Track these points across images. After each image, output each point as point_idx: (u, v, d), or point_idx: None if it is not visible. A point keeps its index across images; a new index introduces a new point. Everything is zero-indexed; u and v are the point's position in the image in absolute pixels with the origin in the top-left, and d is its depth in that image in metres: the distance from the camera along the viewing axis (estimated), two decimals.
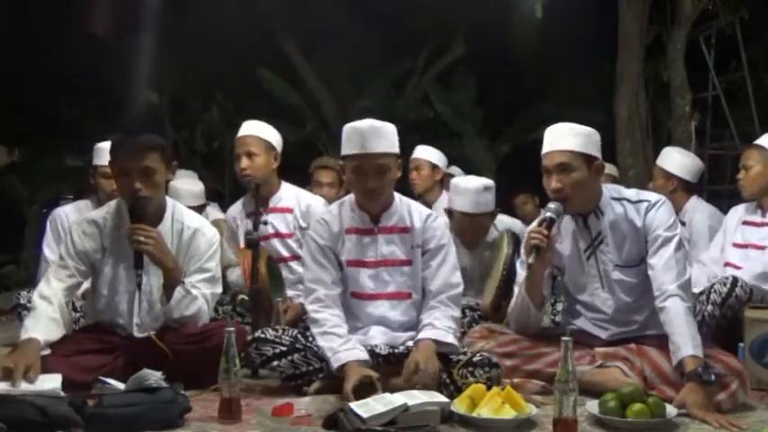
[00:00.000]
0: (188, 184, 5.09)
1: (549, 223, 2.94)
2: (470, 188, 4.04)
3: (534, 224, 3.04)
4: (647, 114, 7.42)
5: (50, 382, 2.64)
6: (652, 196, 3.09)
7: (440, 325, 2.96)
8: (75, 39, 7.89)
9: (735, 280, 3.53)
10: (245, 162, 3.99)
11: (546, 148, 3.03)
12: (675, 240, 2.96)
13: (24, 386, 2.59)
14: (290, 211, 4.03)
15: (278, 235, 4.01)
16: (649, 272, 2.97)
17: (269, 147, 4.05)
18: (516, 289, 3.19)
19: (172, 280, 3.03)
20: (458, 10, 8.29)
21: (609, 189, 3.13)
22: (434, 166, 5.08)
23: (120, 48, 7.95)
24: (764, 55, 8.81)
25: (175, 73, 9.31)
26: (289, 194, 4.11)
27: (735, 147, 8.14)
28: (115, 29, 8.17)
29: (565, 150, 2.97)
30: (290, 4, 8.49)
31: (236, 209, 4.22)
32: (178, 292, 3.02)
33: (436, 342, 2.92)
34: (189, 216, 3.22)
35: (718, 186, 8.36)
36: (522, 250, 3.13)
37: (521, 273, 3.20)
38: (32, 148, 10.07)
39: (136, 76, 8.36)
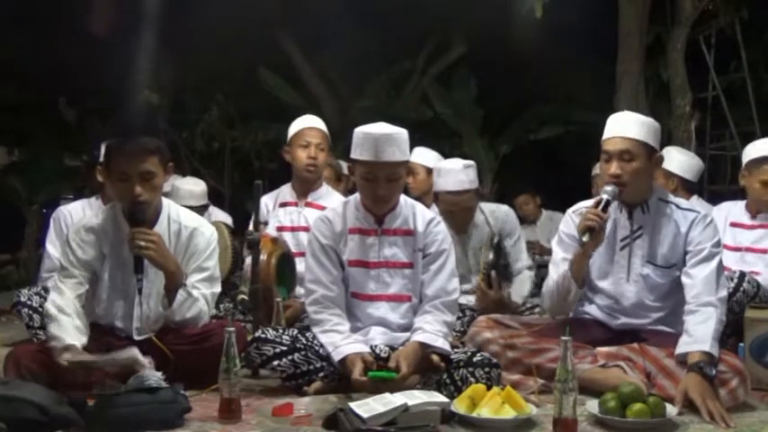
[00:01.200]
0: (189, 184, 5.09)
1: (606, 205, 2.98)
2: (453, 168, 4.13)
3: (590, 204, 3.06)
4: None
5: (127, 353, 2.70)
6: (701, 209, 3.16)
7: (430, 329, 2.97)
8: (74, 39, 7.88)
9: (742, 275, 3.57)
10: (314, 152, 4.19)
11: (609, 134, 3.09)
12: (718, 258, 3.01)
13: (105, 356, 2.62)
14: (325, 209, 4.09)
15: (308, 229, 4.09)
16: (686, 280, 3.00)
17: (329, 144, 4.33)
18: (551, 268, 3.22)
19: (174, 283, 3.02)
20: (458, 10, 8.29)
21: (658, 191, 3.18)
22: (430, 171, 4.93)
23: (120, 48, 7.94)
24: (764, 55, 8.79)
25: (175, 73, 9.30)
26: (328, 195, 4.29)
27: (735, 147, 8.14)
28: (115, 29, 8.16)
29: (629, 138, 3.03)
30: (290, 4, 8.48)
31: (271, 196, 4.29)
32: (180, 295, 3.02)
33: (424, 345, 2.92)
34: (185, 215, 3.21)
35: (718, 186, 8.36)
36: (575, 229, 3.13)
37: (558, 251, 3.22)
38: (32, 148, 10.06)
39: (136, 76, 8.35)
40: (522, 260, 4.24)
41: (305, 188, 4.25)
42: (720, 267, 3.01)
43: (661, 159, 3.15)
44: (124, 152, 2.99)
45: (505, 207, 4.44)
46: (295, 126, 4.33)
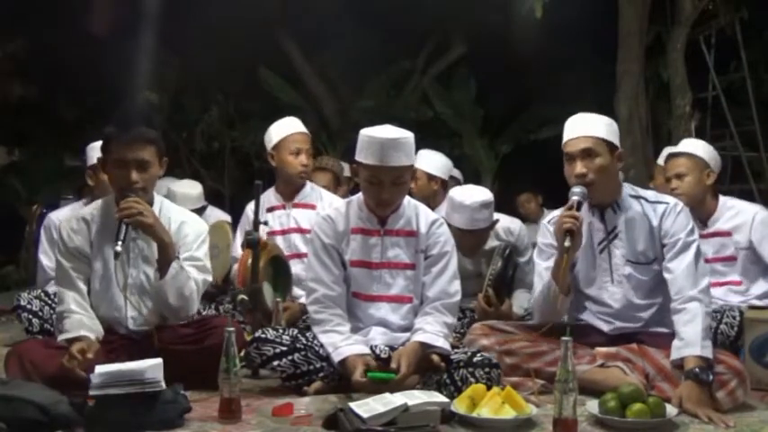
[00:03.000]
0: (185, 187, 5.06)
1: (578, 206, 2.96)
2: (467, 205, 3.91)
3: (563, 209, 3.03)
4: (646, 114, 7.41)
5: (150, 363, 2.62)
6: (670, 199, 3.12)
7: (430, 329, 2.96)
8: (74, 39, 7.89)
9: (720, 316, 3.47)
10: (305, 159, 4.21)
11: (568, 135, 3.07)
12: (695, 246, 2.99)
13: (126, 366, 2.59)
14: (313, 207, 4.14)
15: (300, 230, 4.13)
16: (667, 276, 2.98)
17: (312, 145, 4.31)
18: (536, 279, 3.19)
19: (168, 255, 3.02)
20: (458, 10, 8.30)
21: (627, 187, 3.16)
22: (431, 177, 4.79)
23: (120, 48, 7.95)
24: (764, 55, 8.80)
25: (175, 73, 9.31)
26: (314, 192, 4.28)
27: (735, 147, 8.14)
28: (115, 29, 8.17)
29: (589, 136, 3.02)
30: (290, 4, 8.49)
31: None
32: (173, 267, 3.02)
33: (425, 345, 2.92)
34: (176, 210, 3.24)
35: (719, 186, 8.34)
36: (553, 237, 3.10)
37: (539, 263, 3.20)
38: (32, 148, 10.07)
39: (136, 76, 8.36)
40: (527, 281, 4.09)
41: (291, 191, 4.25)
42: (698, 256, 2.98)
43: (624, 155, 3.13)
44: (123, 139, 3.02)
45: (519, 223, 4.30)
46: (279, 131, 4.28)
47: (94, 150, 4.03)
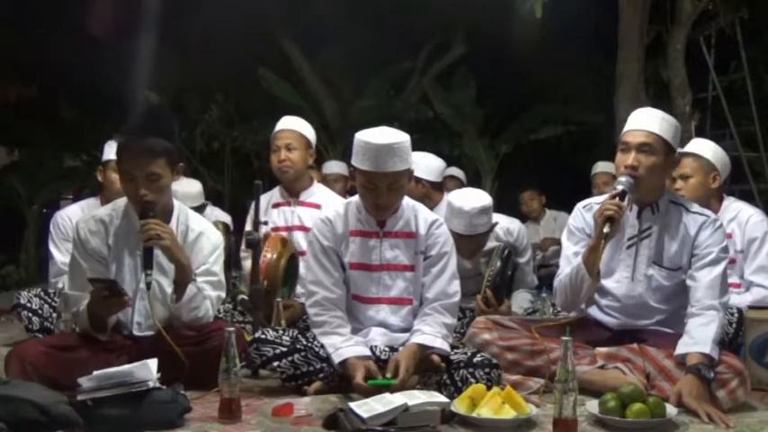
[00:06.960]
0: (185, 185, 5.05)
1: (622, 195, 2.96)
2: (466, 211, 3.89)
3: (606, 197, 3.03)
4: None
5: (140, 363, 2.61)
6: (710, 213, 3.13)
7: (428, 330, 2.96)
8: (75, 39, 7.88)
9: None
10: (284, 154, 4.19)
11: (631, 126, 3.07)
12: (725, 263, 3.01)
13: (120, 368, 2.59)
14: (318, 207, 4.13)
15: (303, 228, 4.13)
16: (690, 283, 2.99)
17: (307, 143, 4.28)
18: (563, 262, 3.19)
19: (185, 277, 3.01)
20: (458, 10, 8.29)
21: (668, 192, 3.16)
22: (417, 180, 4.53)
23: (120, 48, 7.94)
24: (764, 55, 8.79)
25: (175, 73, 9.30)
26: (320, 192, 4.30)
27: (735, 147, 8.14)
28: (115, 29, 8.16)
29: (651, 132, 3.02)
30: (290, 4, 8.49)
31: (264, 198, 4.29)
32: (190, 289, 3.01)
33: (423, 347, 2.92)
34: (194, 219, 3.22)
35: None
36: (585, 221, 3.14)
37: (568, 246, 3.19)
38: (32, 148, 10.05)
39: (136, 76, 8.35)
40: (526, 281, 4.18)
41: (292, 188, 4.26)
42: (725, 274, 3.00)
43: (677, 160, 3.14)
44: (131, 152, 3.00)
45: (518, 223, 4.28)
46: (274, 130, 4.34)
47: (110, 147, 4.03)
